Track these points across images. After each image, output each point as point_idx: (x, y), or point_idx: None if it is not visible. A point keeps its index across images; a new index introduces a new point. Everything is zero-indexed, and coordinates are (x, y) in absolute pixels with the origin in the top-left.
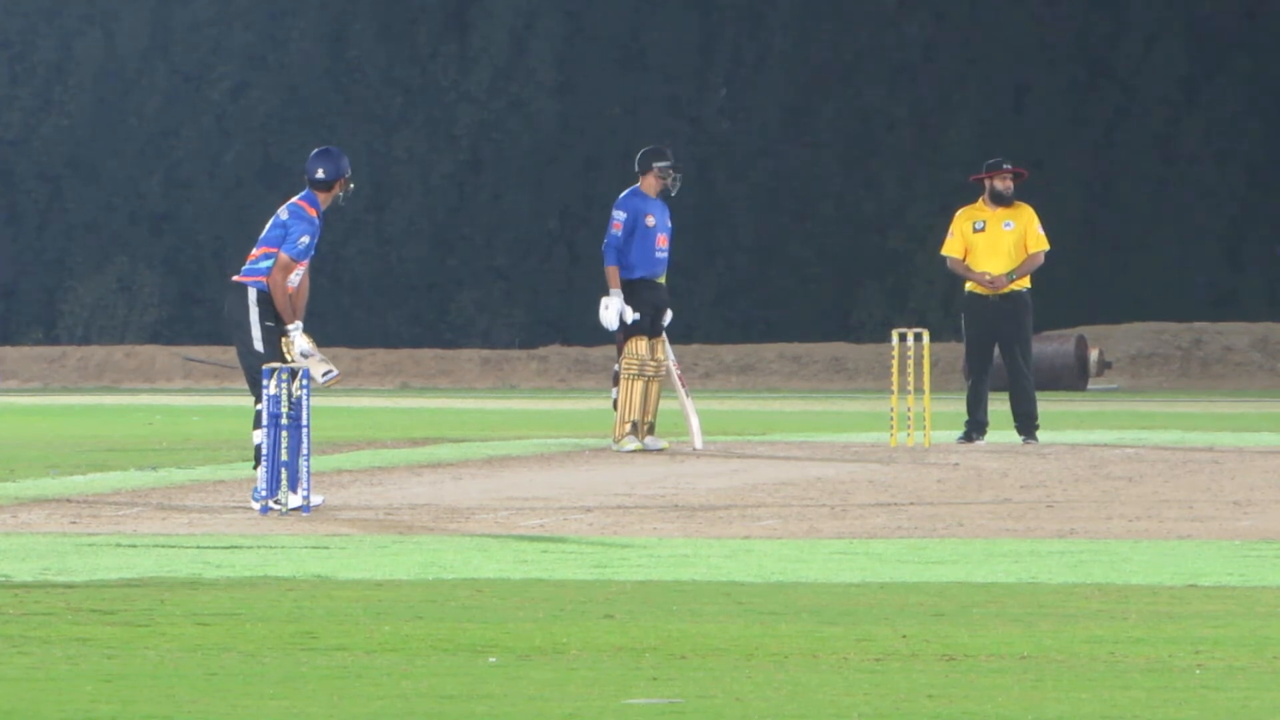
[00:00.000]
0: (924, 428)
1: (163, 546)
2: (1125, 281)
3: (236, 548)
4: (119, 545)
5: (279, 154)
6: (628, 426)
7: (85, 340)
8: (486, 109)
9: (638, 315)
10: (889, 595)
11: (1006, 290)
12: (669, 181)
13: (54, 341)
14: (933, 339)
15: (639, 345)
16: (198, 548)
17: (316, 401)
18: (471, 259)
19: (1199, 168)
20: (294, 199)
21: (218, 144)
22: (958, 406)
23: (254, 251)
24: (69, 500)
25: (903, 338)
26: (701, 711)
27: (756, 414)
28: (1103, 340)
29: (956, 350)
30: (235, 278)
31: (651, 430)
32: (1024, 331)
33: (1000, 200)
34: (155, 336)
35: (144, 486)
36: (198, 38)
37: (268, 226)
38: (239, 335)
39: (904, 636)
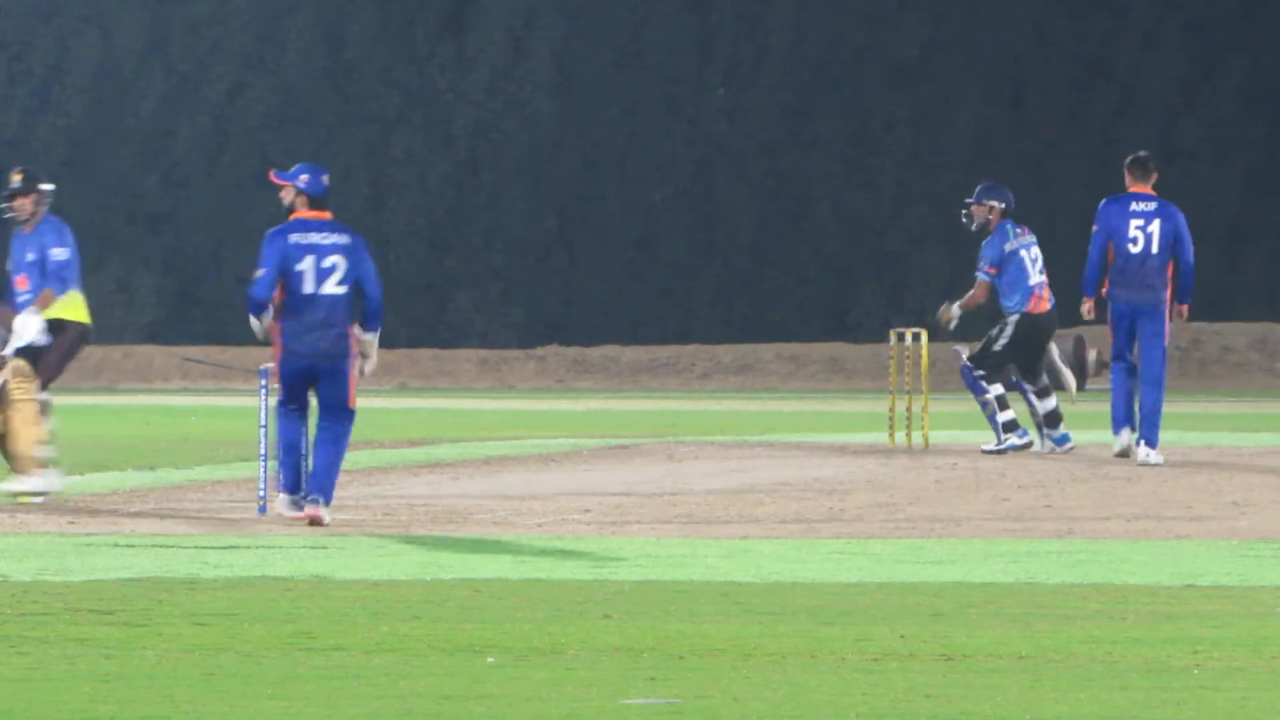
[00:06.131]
0: (922, 428)
1: (160, 546)
2: None
3: (234, 548)
4: (117, 545)
5: (276, 154)
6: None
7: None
8: (484, 109)
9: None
10: (887, 595)
11: None
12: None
13: None
14: (930, 339)
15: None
16: (195, 548)
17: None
18: (469, 259)
19: (1198, 168)
20: None
21: (215, 144)
22: (955, 406)
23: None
24: (67, 500)
25: (901, 338)
26: (699, 711)
27: (755, 414)
28: (1101, 340)
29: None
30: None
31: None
32: None
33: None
34: (153, 337)
35: (142, 487)
36: (195, 38)
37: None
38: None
39: (902, 636)
